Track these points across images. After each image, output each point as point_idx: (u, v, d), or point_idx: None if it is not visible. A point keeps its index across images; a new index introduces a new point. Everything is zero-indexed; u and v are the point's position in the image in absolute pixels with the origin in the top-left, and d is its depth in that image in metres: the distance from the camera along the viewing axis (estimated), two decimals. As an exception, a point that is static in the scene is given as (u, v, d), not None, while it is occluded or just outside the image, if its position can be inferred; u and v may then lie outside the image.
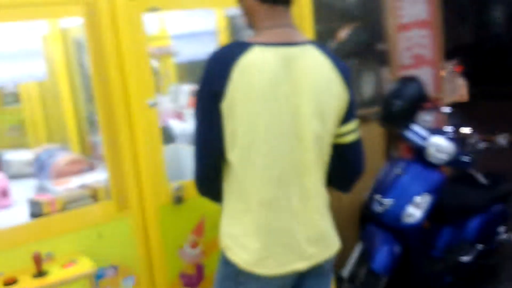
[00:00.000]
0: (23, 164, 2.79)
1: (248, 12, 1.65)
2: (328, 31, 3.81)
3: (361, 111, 3.75)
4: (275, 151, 1.57)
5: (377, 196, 3.10)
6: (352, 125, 1.72)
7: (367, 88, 3.88)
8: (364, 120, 3.68)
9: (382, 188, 3.14)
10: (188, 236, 2.17)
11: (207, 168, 1.64)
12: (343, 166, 1.77)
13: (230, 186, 1.64)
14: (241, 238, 1.62)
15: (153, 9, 1.98)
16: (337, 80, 1.64)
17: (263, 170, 1.57)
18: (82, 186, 2.10)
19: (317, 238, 1.68)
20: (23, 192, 2.28)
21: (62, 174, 2.38)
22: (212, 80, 1.55)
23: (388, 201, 3.02)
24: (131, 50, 1.96)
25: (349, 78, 1.69)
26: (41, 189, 2.13)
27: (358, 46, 3.76)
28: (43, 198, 1.96)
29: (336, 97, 1.64)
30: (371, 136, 3.66)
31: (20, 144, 3.13)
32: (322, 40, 3.80)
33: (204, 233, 2.19)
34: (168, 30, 2.86)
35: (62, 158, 2.44)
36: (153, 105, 2.01)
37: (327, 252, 1.72)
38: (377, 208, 3.06)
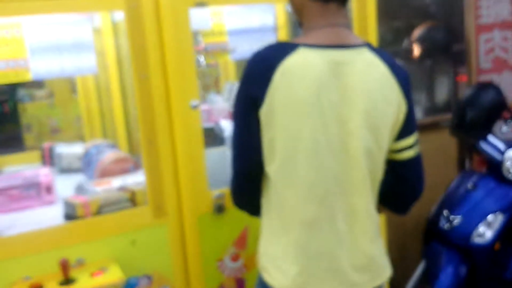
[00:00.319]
0: (75, 158, 2.76)
1: (298, 9, 1.48)
2: (404, 30, 3.57)
3: (433, 118, 3.55)
4: (318, 166, 1.39)
5: (445, 212, 2.86)
6: (410, 139, 1.51)
7: (441, 92, 3.60)
8: (435, 127, 3.44)
9: (451, 203, 2.90)
10: (229, 248, 2.02)
11: (244, 180, 1.49)
12: (399, 186, 1.57)
13: (269, 201, 1.48)
14: (279, 260, 1.46)
15: (201, 4, 1.84)
16: (394, 89, 1.44)
17: (304, 186, 1.40)
18: (122, 188, 2.00)
19: (364, 265, 1.48)
20: (72, 187, 2.21)
21: (106, 172, 2.30)
22: (251, 84, 1.39)
23: (456, 218, 2.78)
24: (175, 48, 1.83)
25: (408, 86, 1.48)
26: (80, 189, 2.05)
27: (432, 46, 3.48)
28: (77, 200, 1.87)
29: (392, 108, 1.44)
30: (443, 144, 3.40)
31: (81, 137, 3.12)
32: (396, 40, 3.60)
33: (247, 245, 2.04)
34: (225, 26, 2.72)
35: (107, 156, 2.36)
36: (196, 106, 1.87)
37: (375, 281, 1.51)
38: (444, 225, 2.82)
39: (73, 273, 1.71)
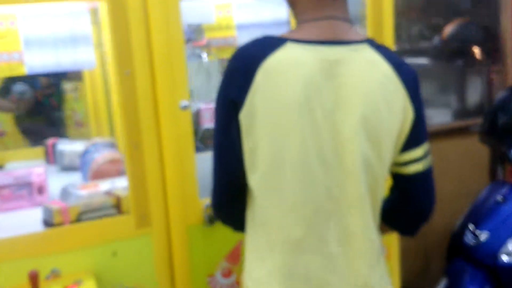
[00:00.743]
0: (76, 156, 2.63)
1: (291, 3, 1.30)
2: (434, 27, 3.33)
3: (463, 122, 3.33)
4: (307, 180, 1.21)
5: (471, 226, 2.64)
6: (418, 151, 1.31)
7: (472, 94, 3.36)
8: (465, 132, 3.21)
9: (477, 216, 2.67)
10: (221, 263, 1.85)
11: (225, 192, 1.32)
12: (405, 204, 1.38)
13: (253, 217, 1.30)
14: (263, 284, 1.28)
15: (193, -6, 1.67)
16: (399, 92, 1.24)
17: (290, 203, 1.22)
18: (108, 193, 1.85)
19: None
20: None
21: (100, 173, 2.16)
22: (230, 85, 1.22)
23: (483, 233, 2.55)
24: (164, 42, 1.66)
25: (417, 89, 1.29)
26: (64, 193, 1.91)
27: (464, 44, 3.23)
28: (55, 205, 1.74)
29: (396, 114, 1.24)
30: (473, 151, 3.16)
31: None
32: (426, 37, 3.38)
33: (240, 260, 1.87)
34: (234, 19, 2.54)
35: (102, 156, 2.22)
36: (186, 107, 1.70)
37: None
38: (469, 240, 2.60)
39: (44, 285, 1.57)
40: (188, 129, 1.73)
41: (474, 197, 2.83)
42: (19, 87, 2.96)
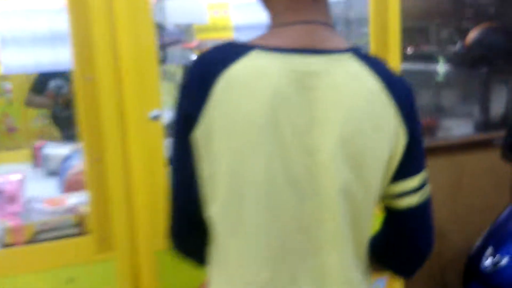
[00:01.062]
0: (61, 160, 2.47)
1: (264, 3, 1.10)
2: (458, 32, 3.09)
3: (485, 134, 3.08)
4: (274, 211, 1.00)
5: (489, 249, 2.40)
6: (413, 181, 1.09)
7: (497, 104, 3.10)
8: (488, 145, 2.96)
9: (497, 239, 2.45)
10: (194, 293, 1.65)
11: (182, 224, 1.12)
12: (397, 242, 1.17)
13: (214, 253, 1.10)
14: None
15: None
16: (389, 111, 1.03)
17: (254, 239, 1.01)
18: (72, 210, 1.67)
19: None
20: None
21: (73, 185, 1.97)
22: (185, 98, 1.02)
23: (503, 258, 2.33)
24: (132, 44, 1.47)
25: (411, 107, 1.07)
26: (28, 208, 1.73)
27: (489, 51, 2.97)
28: (9, 223, 1.56)
29: (384, 137, 1.03)
30: (495, 167, 2.91)
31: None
32: (448, 43, 3.14)
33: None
34: (231, 20, 2.33)
35: (78, 164, 2.03)
36: (157, 117, 1.51)
37: None
38: (488, 265, 2.38)
39: (-12, 316, 1.40)
40: (159, 141, 1.53)
41: (495, 216, 2.59)
42: (55, 83, 2.94)
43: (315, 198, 1.01)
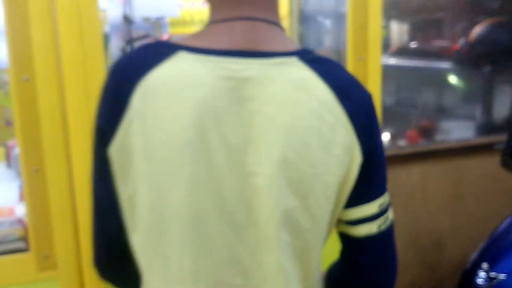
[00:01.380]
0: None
1: None
2: (463, 29, 2.91)
3: (487, 138, 2.89)
4: (203, 248, 0.84)
5: (485, 265, 2.23)
6: (371, 207, 0.93)
7: (501, 106, 2.91)
8: (490, 149, 2.77)
9: (494, 254, 2.26)
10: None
11: (105, 252, 0.96)
12: (354, 275, 1.00)
13: (142, 285, 0.94)
14: None
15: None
16: (342, 126, 0.86)
17: (178, 275, 0.85)
18: (20, 221, 1.52)
19: None
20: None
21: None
22: (100, 109, 0.86)
23: (499, 276, 2.14)
24: (75, 43, 1.31)
25: (369, 122, 0.89)
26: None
27: (494, 48, 2.77)
28: None
29: (336, 155, 0.86)
30: (497, 172, 2.72)
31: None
32: (451, 41, 2.95)
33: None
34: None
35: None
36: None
37: None
38: (482, 283, 2.20)
39: None
40: (106, 150, 1.38)
41: (496, 224, 2.41)
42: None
43: (253, 230, 0.85)
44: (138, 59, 0.85)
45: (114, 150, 0.83)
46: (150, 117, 0.81)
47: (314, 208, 0.87)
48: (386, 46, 3.08)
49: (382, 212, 0.94)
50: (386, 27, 3.13)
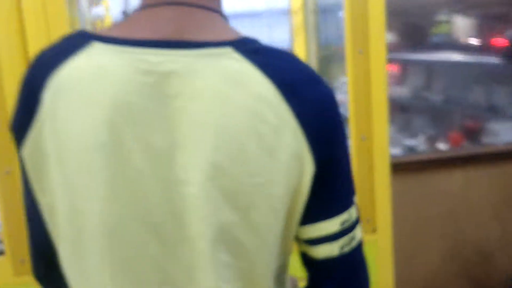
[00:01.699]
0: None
1: None
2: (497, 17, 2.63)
3: (501, 146, 2.62)
4: (126, 267, 0.74)
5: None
6: (330, 225, 0.79)
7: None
8: (501, 158, 2.52)
9: None
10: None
11: (40, 260, 0.89)
12: None
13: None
14: None
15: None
16: (288, 128, 0.72)
17: None
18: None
19: None
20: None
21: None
22: (15, 110, 0.78)
23: None
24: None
25: (325, 125, 0.75)
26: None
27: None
28: None
29: (281, 161, 0.72)
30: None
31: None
32: (486, 29, 2.71)
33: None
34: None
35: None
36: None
37: None
38: None
39: None
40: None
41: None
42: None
43: (186, 246, 0.73)
44: (51, 53, 0.76)
45: (27, 153, 0.75)
46: (60, 117, 0.72)
47: (258, 224, 0.73)
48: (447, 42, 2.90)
49: (345, 231, 0.79)
50: (448, 22, 2.94)
